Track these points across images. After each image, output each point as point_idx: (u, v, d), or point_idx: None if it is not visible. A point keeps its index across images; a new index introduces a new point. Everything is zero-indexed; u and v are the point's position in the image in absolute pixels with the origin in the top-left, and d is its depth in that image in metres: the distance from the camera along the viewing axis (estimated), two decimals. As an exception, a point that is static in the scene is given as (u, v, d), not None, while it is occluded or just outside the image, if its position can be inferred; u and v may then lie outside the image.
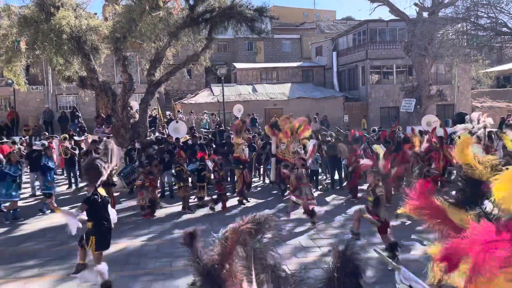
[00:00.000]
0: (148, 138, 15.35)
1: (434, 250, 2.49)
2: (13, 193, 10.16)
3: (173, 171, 12.55)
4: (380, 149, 11.20)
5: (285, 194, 12.07)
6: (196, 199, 11.26)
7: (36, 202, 12.06)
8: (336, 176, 13.54)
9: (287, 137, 11.56)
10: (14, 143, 14.94)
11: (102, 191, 6.42)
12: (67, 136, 15.71)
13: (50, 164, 10.90)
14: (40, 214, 10.65)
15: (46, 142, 13.86)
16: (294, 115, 17.54)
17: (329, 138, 13.94)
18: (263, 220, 2.02)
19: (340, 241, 1.80)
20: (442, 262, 2.13)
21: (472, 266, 1.92)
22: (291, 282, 1.97)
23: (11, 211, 10.30)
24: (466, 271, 1.97)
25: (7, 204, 10.38)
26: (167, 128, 17.91)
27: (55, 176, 11.73)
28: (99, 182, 6.32)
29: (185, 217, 10.33)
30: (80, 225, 6.10)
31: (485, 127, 13.02)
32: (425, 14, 21.78)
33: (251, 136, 14.43)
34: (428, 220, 2.80)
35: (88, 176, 6.40)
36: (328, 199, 12.00)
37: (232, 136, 14.47)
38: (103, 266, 5.98)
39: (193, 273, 2.00)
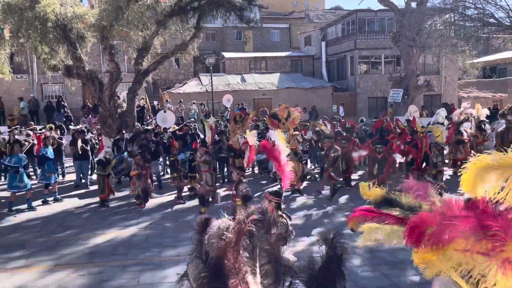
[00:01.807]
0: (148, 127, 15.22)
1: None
2: (18, 184, 9.96)
3: (160, 161, 12.54)
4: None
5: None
6: (188, 190, 11.24)
7: (23, 193, 11.93)
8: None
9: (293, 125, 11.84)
10: (-1, 133, 14.66)
11: None
12: (53, 126, 15.49)
13: (49, 154, 10.80)
14: (44, 204, 10.70)
15: (31, 133, 13.66)
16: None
17: (317, 128, 13.97)
18: (266, 212, 2.02)
19: (328, 230, 1.86)
20: (409, 236, 2.35)
21: (432, 233, 2.22)
22: (292, 272, 1.99)
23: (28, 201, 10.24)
24: (427, 236, 2.25)
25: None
26: (155, 118, 17.80)
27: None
28: None
29: (175, 207, 10.32)
30: None
31: (467, 119, 13.22)
32: (413, 5, 21.82)
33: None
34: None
35: None
36: (316, 189, 12.06)
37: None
38: None
39: (195, 263, 1.98)
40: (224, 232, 1.94)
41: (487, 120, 14.07)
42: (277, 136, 5.69)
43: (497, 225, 2.09)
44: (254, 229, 1.93)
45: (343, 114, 24.33)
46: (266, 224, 1.98)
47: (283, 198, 5.20)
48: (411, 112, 15.27)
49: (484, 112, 14.05)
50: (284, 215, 4.99)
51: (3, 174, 13.05)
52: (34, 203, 10.35)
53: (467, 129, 13.06)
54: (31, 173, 13.26)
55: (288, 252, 2.09)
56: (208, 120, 13.13)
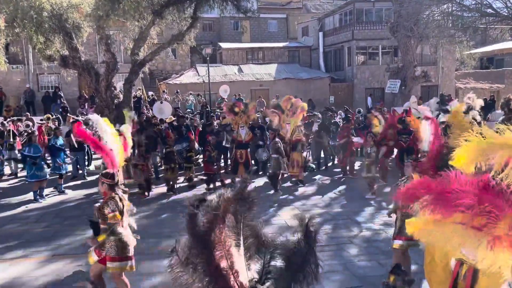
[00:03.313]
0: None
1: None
2: (38, 173, 10.05)
3: (158, 152, 12.51)
4: None
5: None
6: (185, 181, 11.24)
7: (20, 183, 11.93)
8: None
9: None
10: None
11: None
12: (50, 116, 15.43)
13: (59, 144, 10.85)
14: (57, 193, 10.81)
15: (31, 123, 13.64)
16: (280, 96, 17.47)
17: (319, 120, 13.97)
18: (248, 192, 2.22)
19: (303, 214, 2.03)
20: (404, 196, 2.52)
21: (434, 201, 2.31)
22: (271, 246, 2.21)
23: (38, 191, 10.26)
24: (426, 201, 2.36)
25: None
26: (151, 109, 17.72)
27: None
28: None
29: (173, 197, 10.32)
30: None
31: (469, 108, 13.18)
32: (411, -5, 21.74)
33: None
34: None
35: None
36: (313, 179, 12.12)
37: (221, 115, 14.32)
38: None
39: (186, 235, 2.13)
40: (212, 210, 2.12)
41: (480, 112, 14.08)
42: (102, 124, 5.98)
43: (494, 203, 2.18)
44: (238, 207, 2.16)
45: (371, 105, 24.33)
46: (248, 201, 2.20)
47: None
48: (409, 104, 15.34)
49: (478, 103, 14.05)
50: (117, 196, 4.94)
51: (8, 165, 13.01)
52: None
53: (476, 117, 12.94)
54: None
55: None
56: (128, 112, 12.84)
